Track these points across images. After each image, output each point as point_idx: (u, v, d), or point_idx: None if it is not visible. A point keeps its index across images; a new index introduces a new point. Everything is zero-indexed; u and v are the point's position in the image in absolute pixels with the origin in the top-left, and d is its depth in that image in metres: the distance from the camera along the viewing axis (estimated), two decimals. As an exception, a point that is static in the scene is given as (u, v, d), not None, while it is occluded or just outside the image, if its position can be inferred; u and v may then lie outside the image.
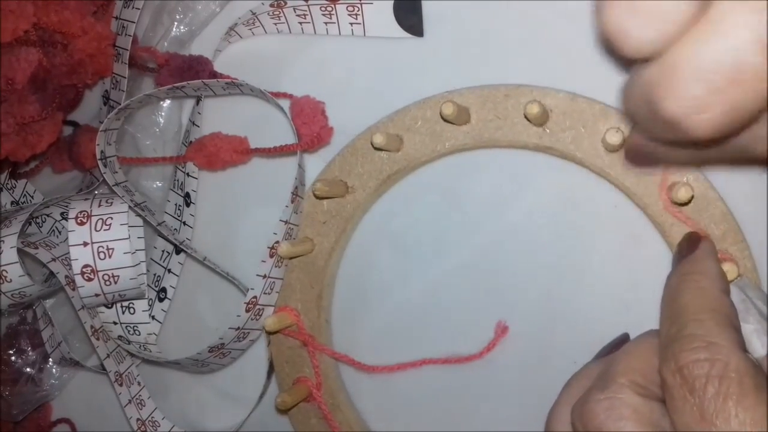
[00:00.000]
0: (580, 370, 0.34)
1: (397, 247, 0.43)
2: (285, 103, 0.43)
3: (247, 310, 0.42)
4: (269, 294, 0.43)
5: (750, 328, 0.31)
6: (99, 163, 0.43)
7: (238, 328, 0.42)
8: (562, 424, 0.32)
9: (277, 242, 0.42)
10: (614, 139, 0.36)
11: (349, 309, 0.45)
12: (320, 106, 0.42)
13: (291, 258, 0.43)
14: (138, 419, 0.48)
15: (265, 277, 0.42)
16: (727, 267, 0.33)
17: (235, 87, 0.44)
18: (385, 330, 0.44)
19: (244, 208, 0.47)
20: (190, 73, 0.42)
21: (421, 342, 0.43)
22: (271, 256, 0.42)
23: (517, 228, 0.41)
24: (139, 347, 0.47)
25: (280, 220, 0.42)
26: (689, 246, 0.34)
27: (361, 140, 0.42)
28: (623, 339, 0.36)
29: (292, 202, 0.42)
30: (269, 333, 0.43)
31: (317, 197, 0.42)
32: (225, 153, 0.44)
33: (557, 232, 0.40)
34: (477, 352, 0.41)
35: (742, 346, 0.29)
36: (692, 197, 0.35)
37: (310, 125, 0.42)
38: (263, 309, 0.43)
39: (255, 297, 0.42)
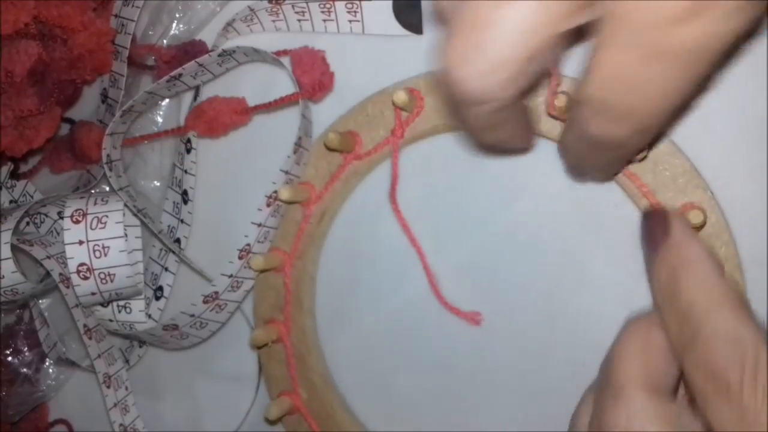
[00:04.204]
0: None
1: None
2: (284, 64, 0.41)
3: (240, 258, 0.40)
4: (263, 243, 0.41)
5: None
6: (105, 167, 0.42)
7: (231, 275, 0.40)
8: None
9: (275, 192, 0.40)
10: None
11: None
12: (319, 54, 0.40)
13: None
14: (120, 424, 0.46)
15: (260, 225, 0.40)
16: (692, 214, 0.32)
17: (229, 58, 0.42)
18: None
19: (247, 197, 0.45)
20: (187, 58, 0.40)
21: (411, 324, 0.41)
22: (268, 205, 0.40)
23: (518, 226, 0.39)
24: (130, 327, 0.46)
25: (281, 170, 0.39)
26: (658, 226, 0.31)
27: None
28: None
29: (295, 153, 0.40)
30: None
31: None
32: (225, 115, 0.41)
33: (558, 231, 0.38)
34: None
35: (763, 328, 0.27)
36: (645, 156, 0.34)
37: (310, 73, 0.39)
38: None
39: (248, 245, 0.40)
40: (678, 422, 0.27)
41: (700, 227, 0.33)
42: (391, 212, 0.41)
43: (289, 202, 0.41)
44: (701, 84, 0.25)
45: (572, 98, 0.26)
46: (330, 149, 0.40)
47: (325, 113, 0.41)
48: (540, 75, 0.25)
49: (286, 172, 0.40)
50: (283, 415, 0.42)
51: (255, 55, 0.41)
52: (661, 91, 0.24)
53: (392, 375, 0.42)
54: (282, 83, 0.42)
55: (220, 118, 0.42)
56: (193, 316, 0.42)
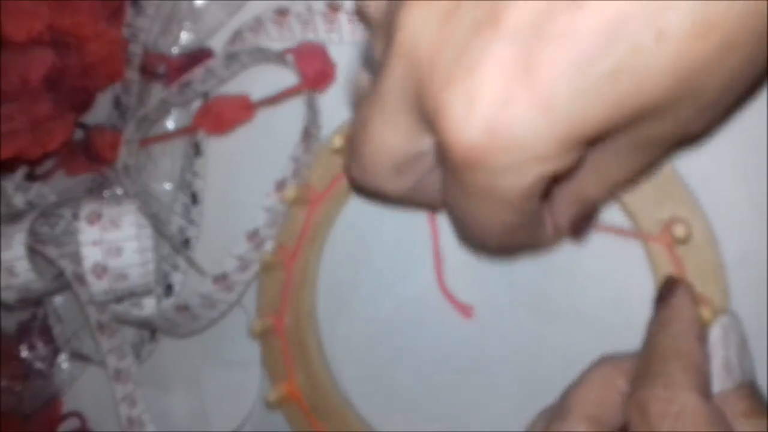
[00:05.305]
0: None
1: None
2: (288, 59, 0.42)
3: (248, 240, 0.41)
4: (270, 228, 0.42)
5: (717, 364, 0.31)
6: (121, 174, 0.43)
7: (239, 256, 0.41)
8: None
9: (284, 178, 0.41)
10: None
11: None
12: (320, 47, 0.41)
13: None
14: (128, 417, 0.47)
15: (268, 210, 0.41)
16: (701, 310, 0.32)
17: (235, 60, 0.42)
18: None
19: (253, 194, 0.45)
20: (195, 66, 0.41)
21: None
22: (277, 191, 0.41)
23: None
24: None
25: (290, 157, 0.40)
26: (667, 291, 0.33)
27: None
28: None
29: (303, 141, 0.40)
30: None
31: None
32: (229, 112, 0.42)
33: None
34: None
35: (705, 391, 0.28)
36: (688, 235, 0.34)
37: (312, 65, 0.40)
38: (264, 241, 0.42)
39: (257, 229, 0.41)
40: None
41: (684, 241, 0.33)
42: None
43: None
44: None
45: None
46: None
47: (331, 106, 0.42)
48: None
49: (296, 160, 0.40)
50: (264, 335, 0.43)
51: (259, 54, 0.42)
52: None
53: (383, 344, 0.42)
54: (287, 85, 0.43)
55: (225, 115, 0.43)
56: (203, 296, 0.42)
